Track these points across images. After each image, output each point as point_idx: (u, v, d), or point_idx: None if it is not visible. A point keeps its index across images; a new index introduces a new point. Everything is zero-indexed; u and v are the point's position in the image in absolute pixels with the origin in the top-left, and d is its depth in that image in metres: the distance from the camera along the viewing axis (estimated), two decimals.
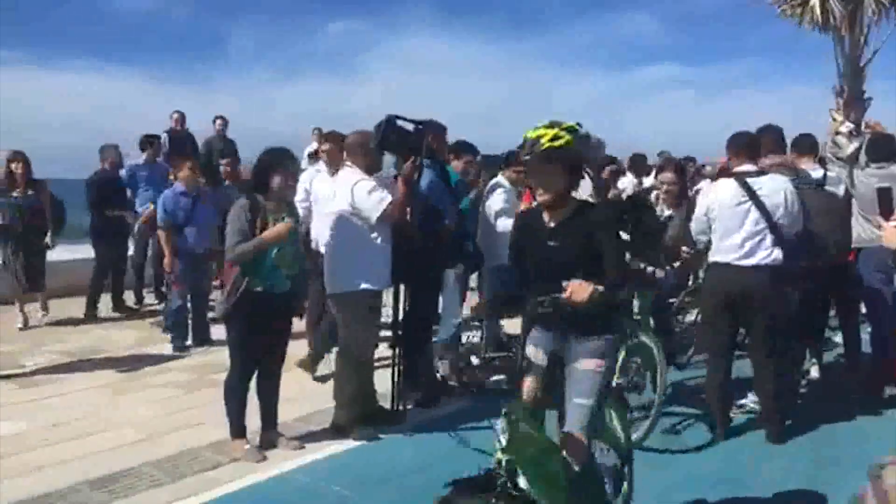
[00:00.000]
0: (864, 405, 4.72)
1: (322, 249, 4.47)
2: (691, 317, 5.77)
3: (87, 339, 6.58)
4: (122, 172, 7.79)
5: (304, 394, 4.90)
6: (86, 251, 7.79)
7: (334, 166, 5.01)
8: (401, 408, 4.55)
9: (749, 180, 4.13)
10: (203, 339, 6.26)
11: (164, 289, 7.21)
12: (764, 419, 4.34)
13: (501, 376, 5.45)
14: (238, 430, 4.00)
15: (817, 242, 4.48)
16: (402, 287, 4.53)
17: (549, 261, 2.68)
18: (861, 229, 4.81)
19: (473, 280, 6.37)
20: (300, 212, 5.25)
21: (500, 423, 2.35)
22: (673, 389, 5.13)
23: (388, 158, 4.62)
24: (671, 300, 5.47)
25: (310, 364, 5.28)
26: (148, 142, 8.12)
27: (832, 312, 5.40)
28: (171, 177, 6.97)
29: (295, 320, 4.25)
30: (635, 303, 4.48)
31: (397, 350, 4.54)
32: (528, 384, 2.74)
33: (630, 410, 3.85)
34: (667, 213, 5.18)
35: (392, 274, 4.31)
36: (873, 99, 14.42)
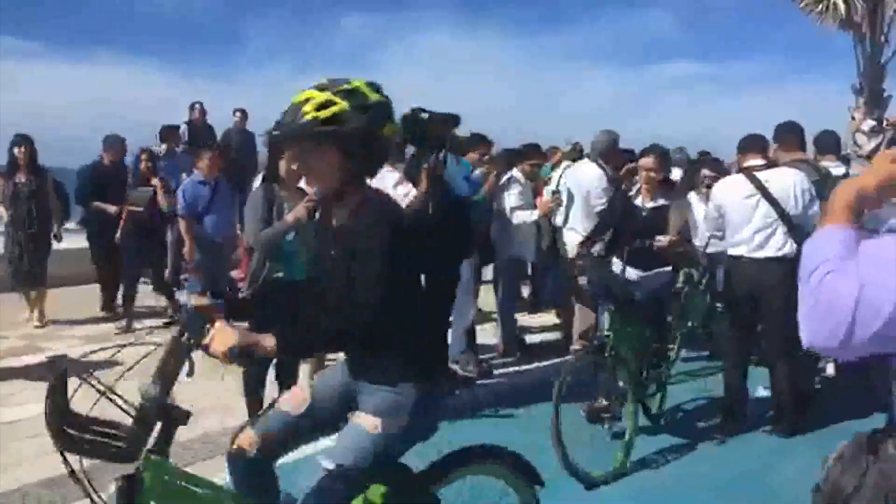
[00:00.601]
0: (879, 402, 4.70)
1: None
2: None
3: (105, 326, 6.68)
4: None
5: None
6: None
7: None
8: None
9: (757, 174, 4.16)
10: None
11: (182, 277, 7.26)
12: (778, 415, 4.36)
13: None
14: (256, 413, 4.05)
15: None
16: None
17: (328, 275, 2.06)
18: None
19: (489, 273, 6.41)
20: None
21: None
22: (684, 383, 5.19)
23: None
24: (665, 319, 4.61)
25: None
26: (168, 132, 8.20)
27: None
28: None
29: None
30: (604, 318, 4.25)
31: None
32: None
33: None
34: (648, 204, 4.44)
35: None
36: (893, 97, 14.34)
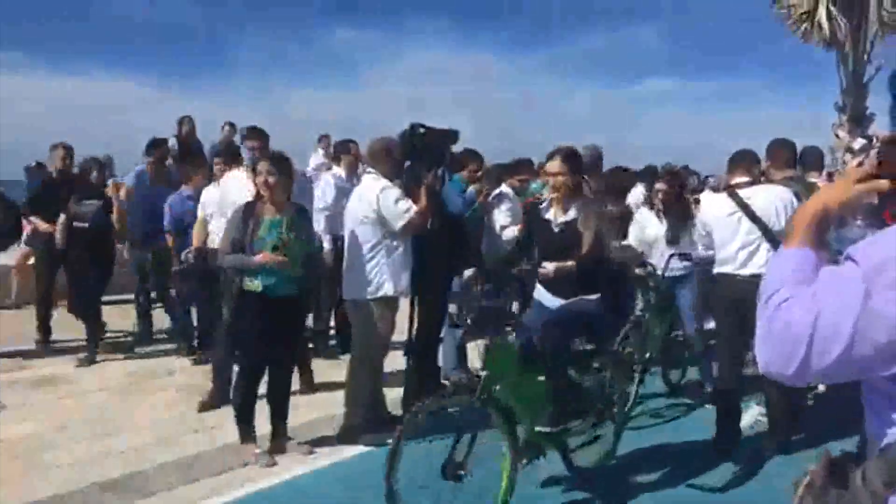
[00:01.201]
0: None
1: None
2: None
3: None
4: (127, 178, 7.25)
5: (314, 399, 4.92)
6: None
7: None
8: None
9: (740, 192, 4.20)
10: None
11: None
12: (769, 432, 4.36)
13: None
14: (247, 435, 4.02)
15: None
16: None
17: None
18: None
19: None
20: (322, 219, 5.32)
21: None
22: (677, 399, 5.18)
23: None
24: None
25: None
26: (155, 145, 8.10)
27: None
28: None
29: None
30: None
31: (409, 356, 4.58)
32: None
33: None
34: (560, 218, 3.72)
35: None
36: (876, 115, 14.52)
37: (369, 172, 4.36)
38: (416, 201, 4.20)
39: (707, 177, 8.94)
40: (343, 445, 4.24)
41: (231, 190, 4.70)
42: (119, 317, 6.83)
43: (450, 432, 3.14)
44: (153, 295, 6.64)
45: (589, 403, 3.63)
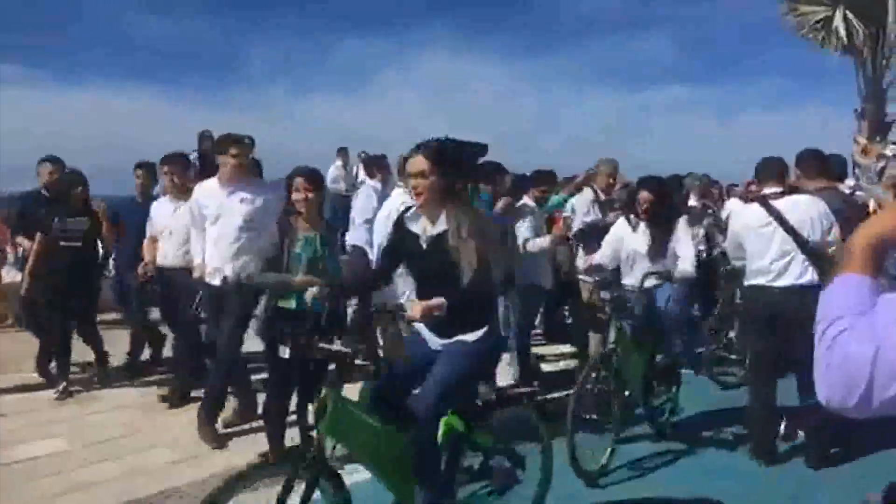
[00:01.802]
0: None
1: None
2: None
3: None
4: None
5: None
6: None
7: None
8: None
9: (773, 202, 4.14)
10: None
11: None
12: (807, 445, 4.29)
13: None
14: (278, 452, 3.99)
15: None
16: None
17: None
18: None
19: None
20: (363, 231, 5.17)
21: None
22: (713, 413, 5.09)
23: None
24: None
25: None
26: (172, 161, 8.01)
27: None
28: None
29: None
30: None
31: None
32: None
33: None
34: (430, 230, 2.96)
35: None
36: None
37: (399, 185, 4.35)
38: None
39: (731, 185, 8.85)
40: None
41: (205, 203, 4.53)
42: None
43: None
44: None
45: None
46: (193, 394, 5.15)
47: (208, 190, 4.54)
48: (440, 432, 2.86)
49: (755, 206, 4.28)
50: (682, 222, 4.66)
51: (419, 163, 2.91)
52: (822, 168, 4.46)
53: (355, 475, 4.04)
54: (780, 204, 4.14)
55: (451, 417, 2.91)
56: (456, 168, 3.00)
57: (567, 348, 6.82)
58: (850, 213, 4.33)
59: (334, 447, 2.73)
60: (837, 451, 4.27)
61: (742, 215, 4.42)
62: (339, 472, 2.75)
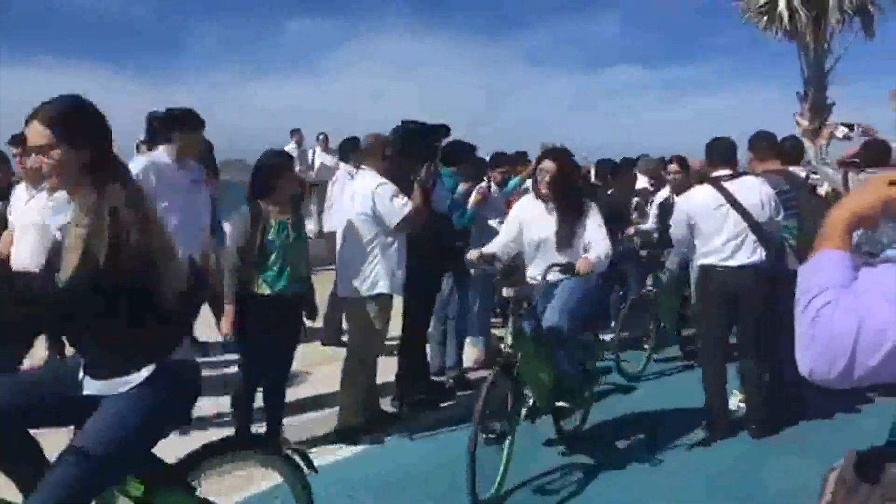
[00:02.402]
0: (851, 401, 4.76)
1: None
2: None
3: None
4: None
5: (309, 398, 4.89)
6: None
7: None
8: (404, 410, 4.59)
9: (725, 184, 4.27)
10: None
11: None
12: (750, 419, 4.45)
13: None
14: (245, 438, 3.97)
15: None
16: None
17: None
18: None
19: None
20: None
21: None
22: (667, 386, 5.26)
23: None
24: None
25: None
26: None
27: None
28: None
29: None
30: None
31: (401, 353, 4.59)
32: None
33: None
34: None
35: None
36: (836, 104, 14.93)
37: (362, 169, 4.33)
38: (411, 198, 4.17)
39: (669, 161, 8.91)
40: (339, 444, 4.22)
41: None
42: None
43: None
44: None
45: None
46: None
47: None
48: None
49: (706, 187, 4.38)
50: (594, 206, 4.05)
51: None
52: (774, 150, 4.59)
53: (339, 452, 4.11)
54: (731, 186, 4.27)
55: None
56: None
57: None
58: (797, 195, 4.50)
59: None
60: (777, 423, 4.46)
61: (691, 197, 4.51)
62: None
